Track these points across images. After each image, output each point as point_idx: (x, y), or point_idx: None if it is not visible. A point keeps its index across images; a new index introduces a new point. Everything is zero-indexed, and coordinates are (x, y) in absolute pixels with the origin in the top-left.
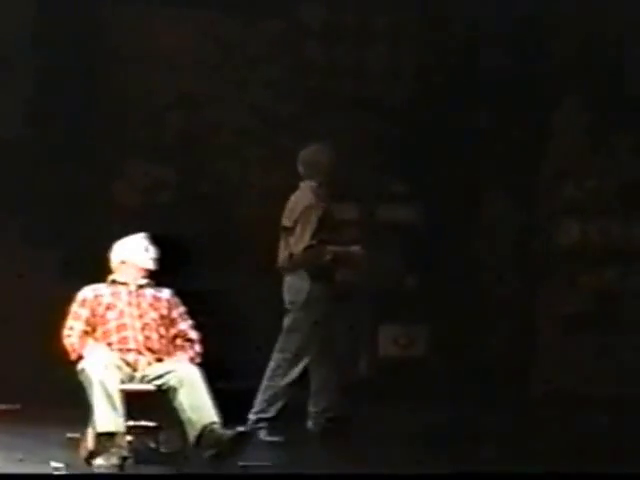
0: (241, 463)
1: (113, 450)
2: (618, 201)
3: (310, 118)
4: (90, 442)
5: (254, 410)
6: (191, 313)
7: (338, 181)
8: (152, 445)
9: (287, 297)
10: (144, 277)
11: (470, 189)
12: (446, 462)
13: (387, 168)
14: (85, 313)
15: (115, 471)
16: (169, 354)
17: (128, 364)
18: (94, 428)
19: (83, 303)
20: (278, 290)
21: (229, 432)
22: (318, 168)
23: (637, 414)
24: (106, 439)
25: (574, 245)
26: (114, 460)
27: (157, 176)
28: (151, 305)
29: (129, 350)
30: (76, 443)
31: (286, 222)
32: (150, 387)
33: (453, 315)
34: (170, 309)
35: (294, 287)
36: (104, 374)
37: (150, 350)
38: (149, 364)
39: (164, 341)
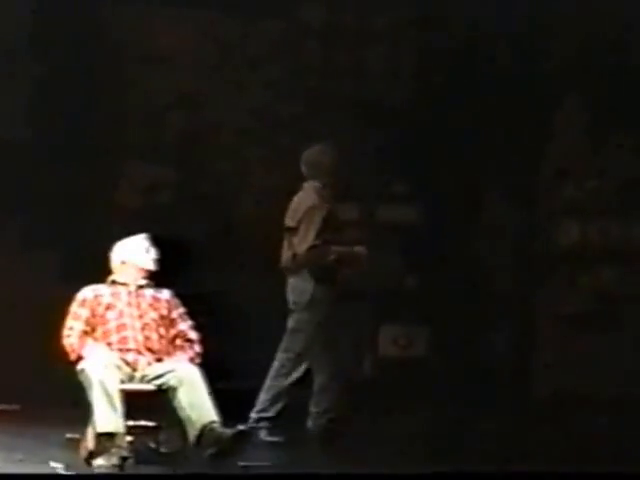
0: (241, 463)
1: (113, 450)
2: (618, 201)
3: (310, 118)
4: (90, 442)
5: (256, 409)
6: (191, 313)
7: (341, 181)
8: (152, 445)
9: (291, 298)
10: (144, 278)
11: (470, 189)
12: (446, 462)
13: (387, 168)
14: (85, 313)
15: (115, 471)
16: (169, 354)
17: (128, 364)
18: (94, 428)
19: (83, 303)
20: (278, 290)
21: (229, 431)
22: (321, 169)
23: (637, 414)
24: (106, 439)
25: (574, 245)
26: (114, 460)
27: (157, 176)
28: (151, 305)
29: (129, 350)
30: (76, 443)
31: (289, 222)
32: (150, 387)
33: (453, 315)
34: (170, 310)
35: (298, 288)
36: (104, 374)
37: (150, 350)
38: (149, 364)
39: (164, 341)
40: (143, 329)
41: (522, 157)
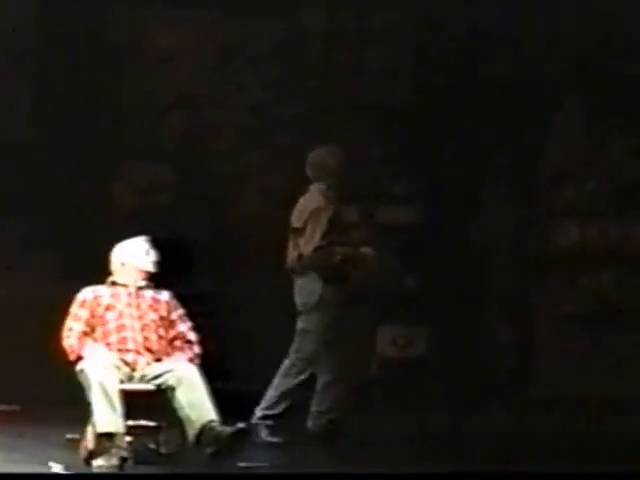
0: (241, 464)
1: (113, 450)
2: (617, 202)
3: (310, 119)
4: (90, 442)
5: (261, 406)
6: (190, 314)
7: (346, 183)
8: (152, 445)
9: (298, 299)
10: (144, 279)
11: (470, 189)
12: (446, 462)
13: (387, 169)
14: (84, 314)
15: (115, 471)
16: (168, 355)
17: (127, 364)
18: (94, 428)
19: (83, 304)
20: (278, 290)
21: (228, 429)
22: (327, 170)
23: (637, 414)
24: (106, 439)
25: (573, 246)
26: (114, 460)
27: (157, 177)
28: (150, 306)
29: (128, 350)
30: (76, 444)
31: (295, 223)
32: (149, 386)
33: (453, 315)
34: (169, 311)
35: (305, 289)
36: (103, 374)
37: (149, 351)
38: (148, 364)
39: (163, 342)
40: (142, 330)
41: (522, 157)
